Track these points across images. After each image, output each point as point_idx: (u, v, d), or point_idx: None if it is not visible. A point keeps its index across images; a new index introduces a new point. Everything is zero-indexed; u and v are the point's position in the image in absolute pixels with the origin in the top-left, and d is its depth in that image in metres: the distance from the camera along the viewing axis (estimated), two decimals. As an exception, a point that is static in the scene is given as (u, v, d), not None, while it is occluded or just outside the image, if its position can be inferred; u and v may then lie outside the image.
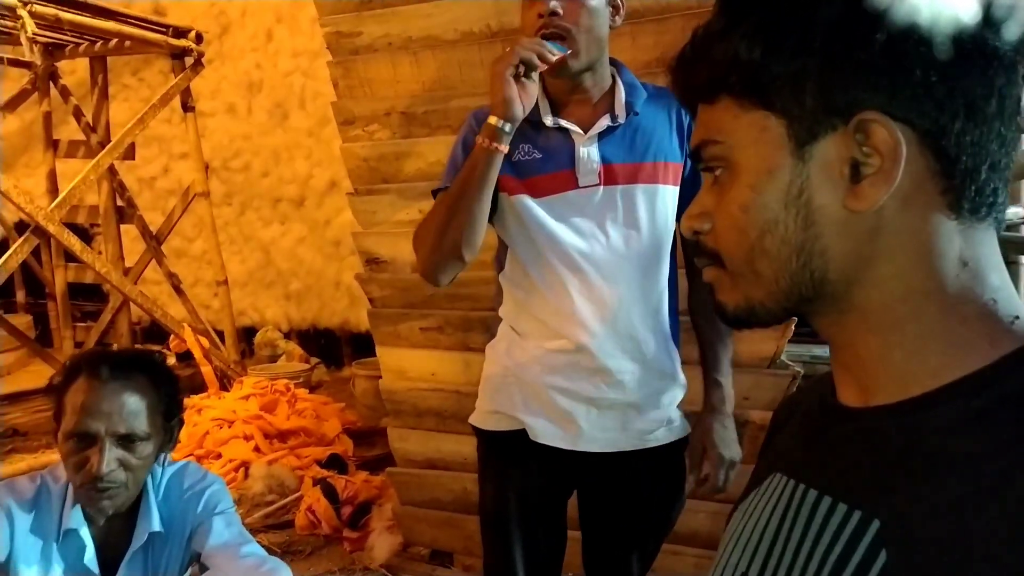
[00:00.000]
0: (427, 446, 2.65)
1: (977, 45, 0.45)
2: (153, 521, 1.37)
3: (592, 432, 1.40)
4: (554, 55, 1.28)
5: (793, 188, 0.50)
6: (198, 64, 4.18)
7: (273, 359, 5.85)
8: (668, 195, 1.40)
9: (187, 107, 4.23)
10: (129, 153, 4.21)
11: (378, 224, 2.59)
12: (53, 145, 4.48)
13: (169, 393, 1.37)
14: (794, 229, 0.50)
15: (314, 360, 5.98)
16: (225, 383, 4.58)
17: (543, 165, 1.37)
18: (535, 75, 1.29)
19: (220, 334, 5.16)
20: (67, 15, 3.53)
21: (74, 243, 3.57)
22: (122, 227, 4.76)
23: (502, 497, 1.46)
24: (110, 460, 1.26)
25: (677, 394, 1.48)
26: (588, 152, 1.36)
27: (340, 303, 6.00)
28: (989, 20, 0.45)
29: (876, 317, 0.50)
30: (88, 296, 6.27)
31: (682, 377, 1.48)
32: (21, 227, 4.33)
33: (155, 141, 6.25)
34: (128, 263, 4.84)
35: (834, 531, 0.48)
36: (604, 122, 1.37)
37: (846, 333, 0.52)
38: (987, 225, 0.49)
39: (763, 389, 2.13)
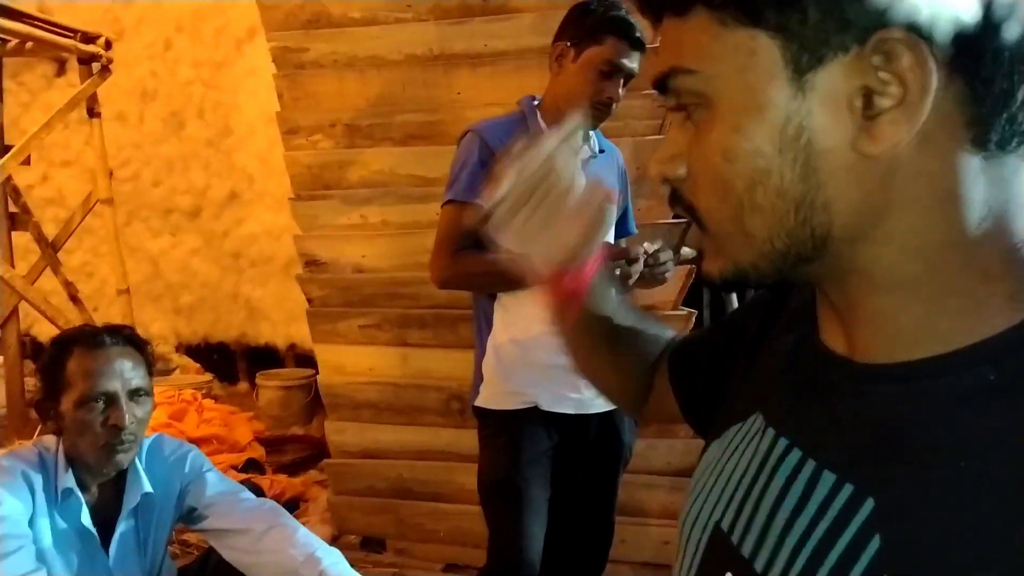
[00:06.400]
0: (364, 437, 2.81)
1: None
2: (144, 483, 1.51)
3: (591, 398, 1.68)
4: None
5: (789, 128, 0.41)
6: (105, 70, 4.14)
7: (166, 373, 5.71)
8: None
9: (93, 113, 4.17)
10: (26, 159, 4.10)
11: (320, 228, 2.76)
12: (-65, 147, 4.27)
13: (150, 353, 1.55)
14: (791, 178, 0.41)
15: (208, 374, 5.89)
16: (125, 394, 4.47)
17: None
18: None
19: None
20: (-26, 14, 3.45)
21: (-26, 247, 3.46)
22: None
23: (515, 464, 1.70)
24: (129, 413, 1.42)
25: None
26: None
27: (237, 316, 5.94)
28: None
29: (884, 277, 0.43)
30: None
31: None
32: None
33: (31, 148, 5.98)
34: (19, 271, 4.64)
35: (820, 503, 0.43)
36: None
37: (849, 295, 0.45)
38: (1016, 157, 0.40)
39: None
